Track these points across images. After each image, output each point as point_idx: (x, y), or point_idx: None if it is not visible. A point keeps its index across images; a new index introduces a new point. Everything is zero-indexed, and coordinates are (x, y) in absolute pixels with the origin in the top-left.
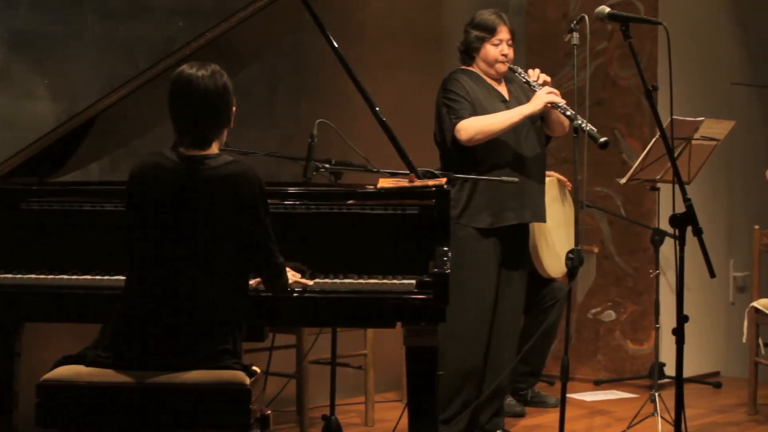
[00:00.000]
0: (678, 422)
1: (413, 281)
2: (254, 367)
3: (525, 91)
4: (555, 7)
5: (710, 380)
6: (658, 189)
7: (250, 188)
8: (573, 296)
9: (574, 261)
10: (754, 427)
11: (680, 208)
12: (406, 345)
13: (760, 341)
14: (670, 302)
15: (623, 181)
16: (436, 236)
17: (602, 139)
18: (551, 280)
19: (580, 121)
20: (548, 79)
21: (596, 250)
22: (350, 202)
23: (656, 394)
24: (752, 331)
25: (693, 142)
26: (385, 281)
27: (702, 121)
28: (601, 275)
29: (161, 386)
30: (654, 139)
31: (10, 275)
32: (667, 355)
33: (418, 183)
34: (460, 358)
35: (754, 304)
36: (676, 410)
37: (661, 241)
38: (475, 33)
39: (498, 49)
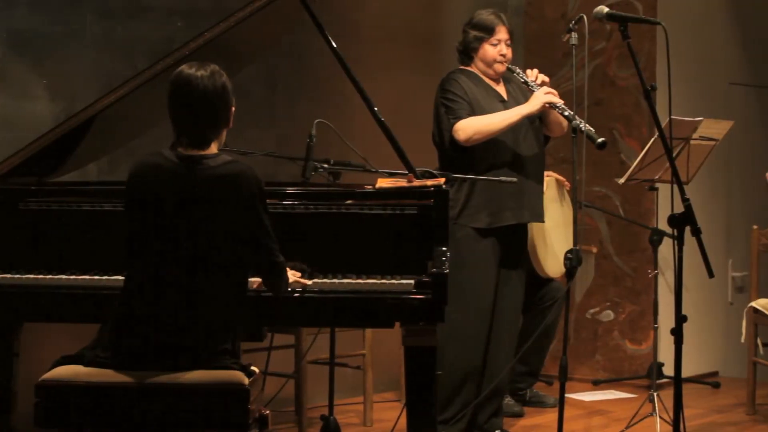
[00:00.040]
0: (676, 422)
1: (412, 281)
2: (253, 367)
3: (523, 91)
4: (553, 7)
5: (709, 380)
6: (656, 189)
7: (249, 188)
8: (571, 296)
9: (572, 261)
10: (753, 427)
11: (679, 208)
12: (404, 345)
13: (759, 341)
14: (669, 302)
15: (622, 181)
16: (435, 236)
17: (600, 140)
18: (550, 280)
19: (578, 122)
20: (546, 79)
21: (595, 250)
22: (349, 202)
23: (655, 394)
24: (751, 331)
25: (691, 142)
26: (383, 281)
27: (700, 121)
28: (599, 275)
29: (160, 386)
30: (652, 139)
31: (8, 275)
32: (666, 355)
33: (416, 183)
34: (459, 358)
35: (753, 304)
36: (674, 410)
37: (660, 241)
38: (473, 33)
39: (496, 49)
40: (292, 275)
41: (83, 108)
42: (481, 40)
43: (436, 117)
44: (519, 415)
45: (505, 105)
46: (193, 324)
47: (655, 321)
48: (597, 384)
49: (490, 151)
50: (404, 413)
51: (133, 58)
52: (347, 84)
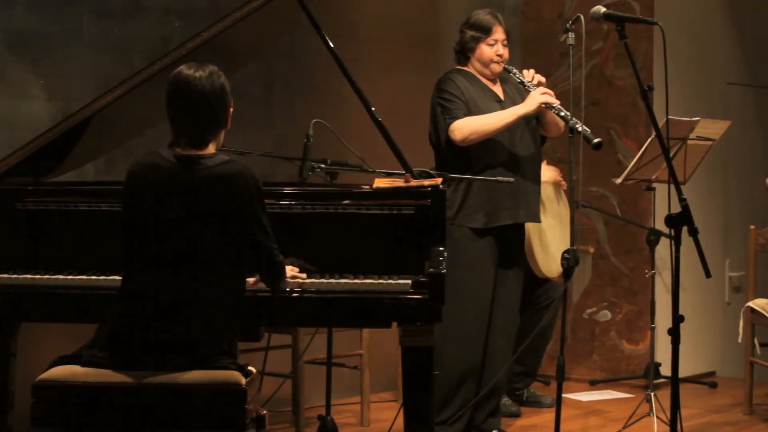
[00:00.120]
0: (673, 422)
1: (409, 281)
2: (250, 367)
3: (520, 92)
4: (550, 7)
5: (706, 380)
6: (653, 189)
7: (246, 188)
8: (568, 296)
9: (569, 261)
10: (750, 427)
11: (676, 208)
12: (401, 345)
13: (756, 341)
14: (666, 302)
15: (619, 181)
16: (432, 236)
17: (596, 140)
18: (546, 280)
19: (574, 122)
20: (543, 79)
21: (592, 250)
22: (346, 202)
23: (652, 394)
24: (748, 331)
25: (689, 142)
26: (381, 281)
27: (698, 121)
28: (596, 275)
29: (157, 386)
30: (650, 139)
31: (5, 275)
32: (663, 355)
33: (413, 183)
34: (456, 359)
35: (750, 304)
36: (671, 410)
37: (657, 241)
38: (470, 33)
39: (493, 49)
40: (290, 270)
41: (80, 108)
42: (477, 40)
43: (433, 117)
44: (516, 415)
45: (501, 105)
46: (191, 324)
47: (652, 321)
48: (594, 384)
49: (486, 151)
50: (401, 413)
51: (131, 58)
52: (344, 84)
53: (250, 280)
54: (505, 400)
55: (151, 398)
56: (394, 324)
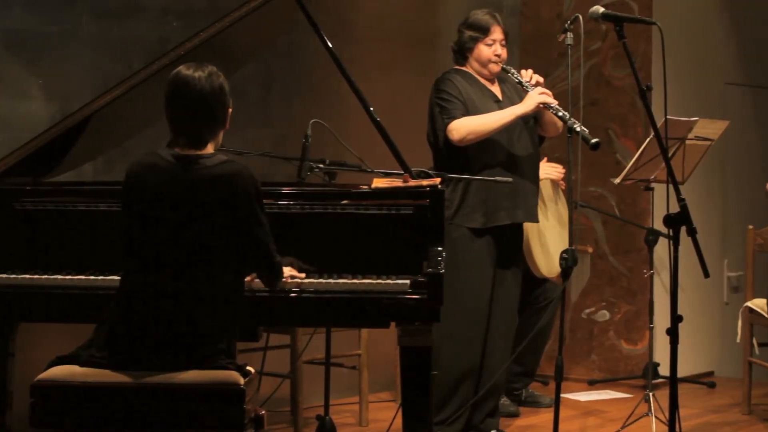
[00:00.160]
0: (672, 422)
1: (407, 281)
2: (248, 367)
3: (518, 92)
4: (549, 7)
5: (704, 380)
6: (652, 189)
7: (245, 188)
8: (567, 296)
9: (568, 261)
10: (749, 427)
11: (674, 208)
12: (400, 345)
13: (754, 341)
14: (664, 302)
15: (617, 181)
16: (431, 236)
17: (593, 141)
18: (545, 280)
19: (572, 122)
20: (541, 79)
21: (590, 250)
22: (344, 202)
23: (650, 394)
24: (746, 331)
25: (687, 142)
26: (379, 281)
27: (696, 121)
28: (595, 275)
29: (156, 386)
30: (648, 139)
31: (4, 275)
32: (661, 355)
33: (412, 183)
34: (455, 359)
35: (748, 304)
36: (670, 410)
37: (655, 241)
38: (468, 33)
39: (491, 49)
40: (288, 270)
41: (79, 108)
42: (476, 40)
43: (431, 117)
44: (514, 415)
45: (499, 105)
46: (190, 324)
47: (651, 321)
48: (592, 384)
49: (484, 151)
50: (400, 413)
51: (129, 58)
52: (343, 84)
53: (247, 278)
54: (504, 400)
55: (150, 398)
56: (393, 324)
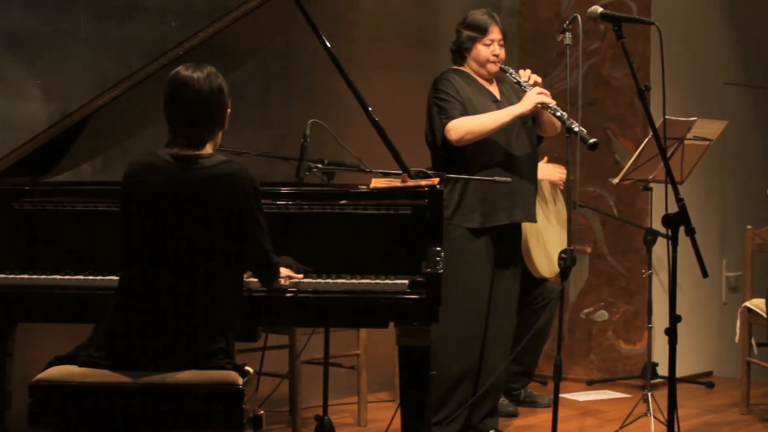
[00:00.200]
0: (671, 422)
1: (406, 281)
2: (247, 367)
3: (516, 92)
4: (547, 7)
5: (703, 380)
6: (650, 189)
7: (243, 188)
8: (565, 296)
9: (566, 261)
10: (747, 427)
11: (673, 208)
12: (398, 345)
13: (753, 341)
14: (663, 302)
15: (616, 181)
16: (429, 236)
17: (591, 141)
18: (543, 280)
19: (570, 122)
20: (539, 79)
21: (589, 250)
22: (343, 202)
23: (649, 394)
24: (745, 331)
25: (685, 142)
26: (377, 281)
27: (694, 121)
28: (593, 275)
29: (154, 386)
30: (647, 139)
31: (2, 275)
32: (660, 355)
33: (410, 183)
34: (453, 359)
35: (747, 303)
36: (668, 410)
37: (654, 241)
38: (466, 33)
39: (489, 49)
40: (284, 270)
41: (77, 108)
42: (474, 40)
43: (429, 117)
44: (513, 415)
45: (497, 105)
46: (188, 324)
47: (649, 321)
48: (591, 384)
49: (482, 151)
50: (398, 413)
51: (128, 58)
52: (341, 84)
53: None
54: (502, 400)
55: (148, 398)
56: (391, 324)
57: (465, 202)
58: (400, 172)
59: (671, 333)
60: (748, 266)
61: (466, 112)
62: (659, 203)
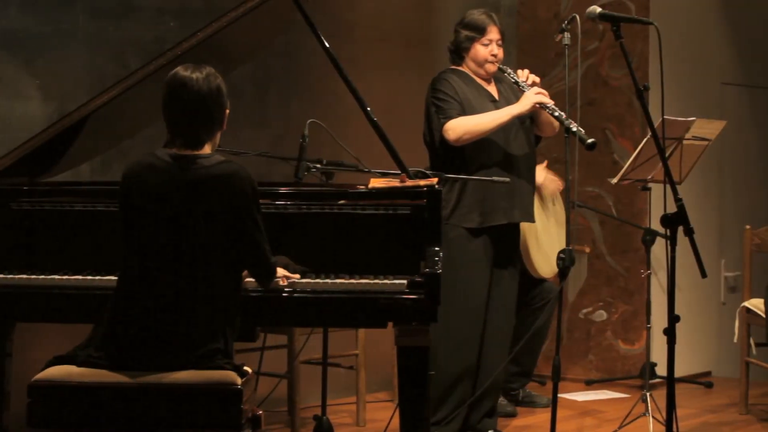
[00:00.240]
0: (669, 422)
1: (405, 281)
2: (245, 367)
3: (514, 91)
4: (546, 7)
5: (702, 380)
6: (649, 189)
7: (242, 188)
8: (564, 296)
9: (565, 261)
10: (746, 427)
11: (671, 208)
12: (397, 345)
13: (752, 341)
14: (662, 302)
15: (614, 181)
16: (428, 236)
17: (589, 141)
18: (542, 280)
19: (568, 122)
20: (537, 79)
21: (587, 250)
22: (342, 202)
23: (647, 394)
24: (743, 331)
25: (684, 142)
26: (376, 281)
27: (693, 121)
28: (592, 275)
29: (153, 386)
30: (645, 139)
31: (1, 275)
32: (659, 354)
33: (409, 183)
34: (452, 359)
35: (746, 303)
36: (667, 410)
37: (653, 241)
38: (464, 33)
39: (488, 49)
40: (280, 271)
41: (76, 108)
42: (472, 40)
43: (427, 116)
44: (512, 415)
45: (496, 105)
46: (187, 324)
47: (648, 321)
48: (590, 384)
49: (480, 151)
50: (397, 413)
51: (126, 58)
52: (340, 84)
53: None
54: (501, 400)
55: (147, 398)
56: (390, 324)
57: (463, 202)
58: (399, 172)
59: (670, 333)
60: (746, 266)
61: (464, 112)
62: (658, 203)
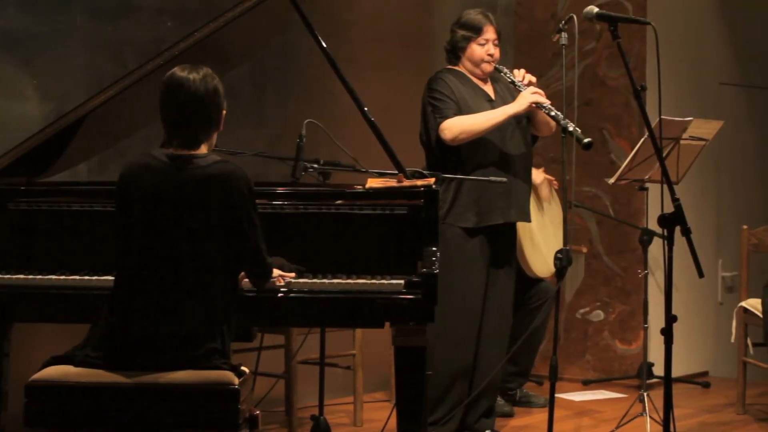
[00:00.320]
0: (666, 422)
1: (402, 281)
2: (243, 367)
3: (511, 91)
4: (543, 7)
5: (699, 380)
6: (646, 189)
7: (238, 188)
8: (561, 296)
9: (562, 261)
10: (743, 427)
11: (669, 208)
12: (394, 345)
13: (749, 341)
14: (659, 302)
15: (612, 181)
16: (425, 236)
17: (586, 140)
18: (539, 280)
19: (565, 122)
20: (533, 79)
21: (585, 250)
22: (339, 202)
23: (645, 394)
24: (741, 331)
25: (681, 142)
26: (373, 281)
27: (690, 121)
28: (589, 275)
29: (150, 386)
30: (642, 139)
31: None
32: (656, 355)
33: (406, 183)
34: (448, 359)
35: (743, 303)
36: (664, 410)
37: (650, 241)
38: (461, 32)
39: (484, 48)
40: (275, 272)
41: (73, 108)
42: (468, 40)
43: (423, 116)
44: (509, 415)
45: (492, 104)
46: (184, 324)
47: (645, 321)
48: (587, 384)
49: (477, 151)
50: (394, 413)
51: (124, 58)
52: (337, 84)
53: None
54: (498, 400)
55: (144, 398)
56: (387, 324)
57: (459, 202)
58: (396, 172)
59: (667, 333)
60: (744, 266)
61: (460, 112)
62: (655, 203)
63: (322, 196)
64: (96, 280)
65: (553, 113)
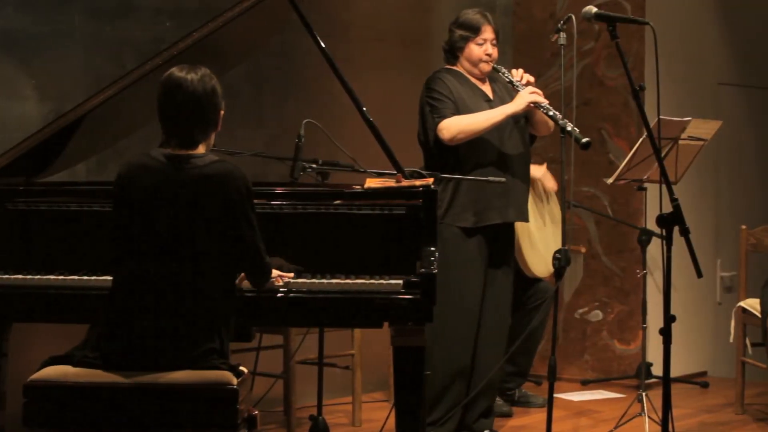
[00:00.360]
0: (665, 422)
1: (400, 281)
2: (241, 368)
3: (509, 91)
4: (542, 7)
5: (697, 380)
6: (645, 189)
7: (236, 188)
8: (560, 296)
9: (561, 261)
10: (742, 427)
11: (667, 208)
12: (393, 345)
13: (748, 341)
14: (657, 302)
15: (610, 181)
16: (423, 236)
17: (584, 140)
18: (538, 280)
19: (564, 122)
20: (531, 79)
21: (583, 250)
22: (337, 202)
23: (643, 394)
24: (739, 331)
25: (680, 142)
26: (372, 281)
27: (689, 121)
28: (588, 275)
29: (148, 386)
30: (641, 139)
31: None
32: (655, 354)
33: (405, 183)
34: (447, 359)
35: (741, 303)
36: (663, 410)
37: (648, 241)
38: (459, 32)
39: (482, 48)
40: (274, 272)
41: (72, 108)
42: (466, 40)
43: (422, 116)
44: (507, 415)
45: (490, 104)
46: (182, 324)
47: (644, 321)
48: (586, 384)
49: (475, 151)
50: (393, 413)
51: (122, 58)
52: (336, 84)
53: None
54: (497, 400)
55: (143, 398)
56: (386, 324)
57: (457, 202)
58: (395, 172)
59: (666, 333)
60: (742, 266)
61: (458, 112)
62: (654, 203)
63: (321, 196)
64: (95, 280)
65: (551, 113)
